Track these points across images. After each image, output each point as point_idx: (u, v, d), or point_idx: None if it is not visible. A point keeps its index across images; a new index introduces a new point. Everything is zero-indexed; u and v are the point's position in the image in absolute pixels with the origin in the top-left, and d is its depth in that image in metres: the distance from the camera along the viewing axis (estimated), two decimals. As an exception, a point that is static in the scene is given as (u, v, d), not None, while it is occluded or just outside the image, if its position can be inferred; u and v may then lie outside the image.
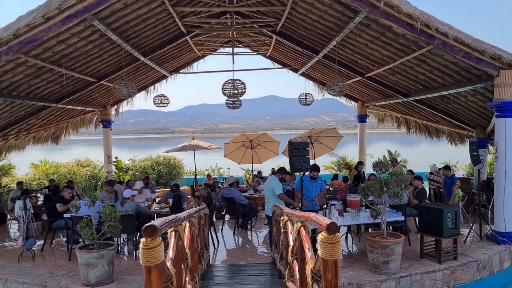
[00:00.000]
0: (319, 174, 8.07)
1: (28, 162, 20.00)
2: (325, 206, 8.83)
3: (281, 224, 5.29)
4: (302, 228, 3.61)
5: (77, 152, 28.40)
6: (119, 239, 8.13)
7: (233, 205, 9.83)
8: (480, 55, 8.08)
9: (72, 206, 6.83)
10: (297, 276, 3.88)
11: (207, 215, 6.58)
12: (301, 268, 3.72)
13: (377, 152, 20.48)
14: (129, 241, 8.26)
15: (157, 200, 12.76)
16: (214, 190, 10.54)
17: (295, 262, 4.02)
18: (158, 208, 8.81)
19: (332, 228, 2.44)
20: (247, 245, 9.15)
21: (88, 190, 6.55)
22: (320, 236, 2.54)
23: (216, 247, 8.70)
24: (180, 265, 3.58)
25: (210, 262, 7.54)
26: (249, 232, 10.12)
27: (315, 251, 5.17)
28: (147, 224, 2.42)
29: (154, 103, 15.22)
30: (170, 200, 8.81)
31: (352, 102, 17.85)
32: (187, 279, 4.36)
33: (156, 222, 2.55)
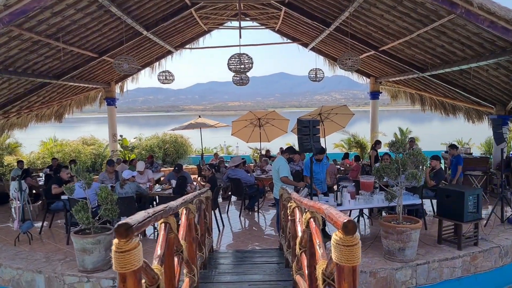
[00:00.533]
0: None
1: (38, 140, 19.73)
2: (335, 188, 8.36)
3: (288, 211, 4.82)
4: (311, 219, 3.12)
5: (87, 130, 28.07)
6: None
7: (239, 186, 9.41)
8: (507, 24, 7.37)
9: (66, 189, 6.42)
10: (306, 272, 3.43)
11: (210, 198, 6.12)
12: (310, 264, 3.27)
13: (388, 130, 19.86)
14: (129, 224, 7.88)
15: (162, 179, 12.40)
16: (219, 170, 10.09)
17: (303, 255, 3.56)
18: (160, 190, 8.38)
19: (350, 228, 1.95)
20: (254, 228, 8.74)
21: (82, 172, 6.12)
22: (335, 237, 2.05)
23: (221, 230, 8.31)
24: (172, 260, 3.15)
25: (214, 247, 7.16)
26: (256, 214, 9.73)
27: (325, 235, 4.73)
28: (120, 222, 1.95)
29: (158, 79, 14.70)
30: (173, 182, 8.39)
31: (364, 78, 17.16)
32: (184, 271, 3.94)
33: (134, 218, 2.09)
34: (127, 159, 16.70)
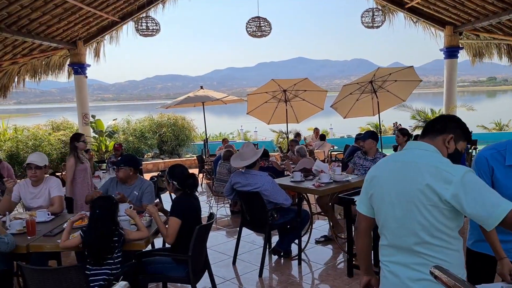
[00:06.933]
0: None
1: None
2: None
3: None
4: None
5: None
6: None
7: (257, 208, 4.32)
8: None
9: None
10: None
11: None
12: None
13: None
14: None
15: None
16: (190, 187, 4.43)
17: None
18: (51, 234, 3.17)
19: None
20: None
21: None
22: None
23: None
24: None
25: None
26: (295, 266, 4.64)
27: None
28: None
29: (137, 30, 10.02)
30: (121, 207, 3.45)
31: (433, 30, 12.02)
32: None
33: None
34: (103, 148, 12.14)
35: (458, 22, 11.13)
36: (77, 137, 5.16)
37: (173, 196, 3.44)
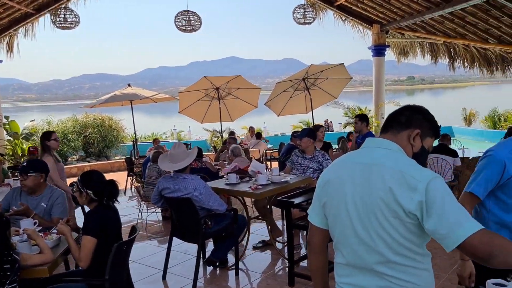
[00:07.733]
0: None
1: None
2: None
3: None
4: None
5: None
6: None
7: (189, 216, 3.90)
8: None
9: None
10: None
11: None
12: None
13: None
14: None
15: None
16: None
17: None
18: None
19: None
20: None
21: None
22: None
23: None
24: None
25: None
26: (232, 276, 4.21)
27: None
28: None
29: (53, 23, 9.16)
30: (24, 222, 2.93)
31: (361, 29, 12.25)
32: None
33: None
34: (18, 152, 11.03)
35: (384, 21, 11.42)
36: (47, 135, 4.81)
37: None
